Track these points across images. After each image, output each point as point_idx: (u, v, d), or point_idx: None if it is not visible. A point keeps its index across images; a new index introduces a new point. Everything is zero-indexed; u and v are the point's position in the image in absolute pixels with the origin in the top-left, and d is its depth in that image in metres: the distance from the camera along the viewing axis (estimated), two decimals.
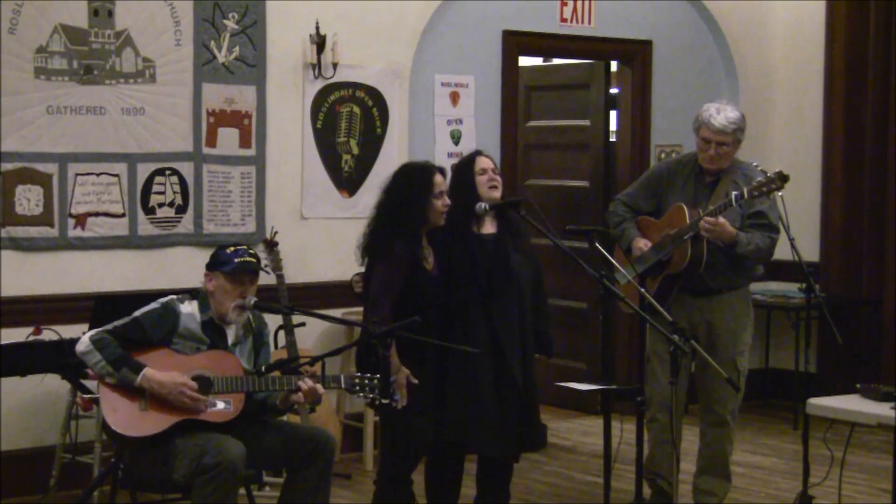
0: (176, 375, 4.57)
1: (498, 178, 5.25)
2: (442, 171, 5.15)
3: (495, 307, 5.15)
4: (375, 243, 5.08)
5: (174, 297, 4.77)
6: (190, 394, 4.55)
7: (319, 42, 6.77)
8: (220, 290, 4.72)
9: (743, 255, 5.52)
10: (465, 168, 5.27)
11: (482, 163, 5.25)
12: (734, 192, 5.41)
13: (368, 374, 4.60)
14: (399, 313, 4.91)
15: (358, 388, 4.60)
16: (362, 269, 5.22)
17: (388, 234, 5.02)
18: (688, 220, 5.50)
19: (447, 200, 5.08)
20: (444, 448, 5.18)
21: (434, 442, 5.09)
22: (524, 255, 5.29)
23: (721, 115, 5.54)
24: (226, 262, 4.72)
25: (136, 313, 4.67)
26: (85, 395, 5.48)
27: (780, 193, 5.37)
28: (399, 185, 5.12)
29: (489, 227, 5.25)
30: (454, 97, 7.41)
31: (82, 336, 4.66)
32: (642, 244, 5.68)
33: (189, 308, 4.73)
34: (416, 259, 5.03)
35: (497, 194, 5.22)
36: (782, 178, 5.31)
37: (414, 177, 5.11)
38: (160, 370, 4.57)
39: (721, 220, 5.40)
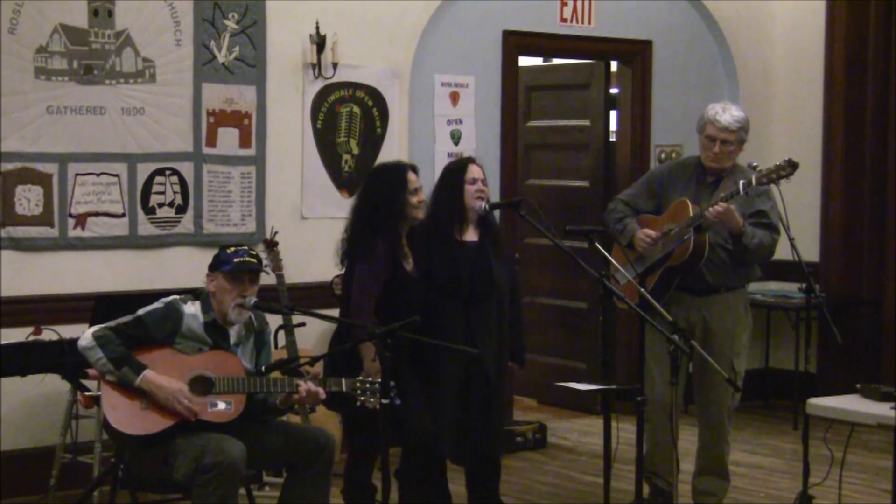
0: (176, 383, 4.56)
1: (486, 189, 5.28)
2: (414, 168, 5.20)
3: (474, 314, 5.16)
4: (356, 244, 5.09)
5: (177, 297, 4.77)
6: (185, 403, 4.55)
7: (319, 42, 6.77)
8: (220, 290, 4.73)
9: (746, 248, 5.51)
10: (455, 173, 5.28)
11: (473, 172, 5.27)
12: (742, 181, 5.42)
13: (370, 379, 4.60)
14: (379, 314, 4.92)
15: (359, 391, 4.60)
16: (341, 272, 5.25)
17: (368, 234, 5.04)
18: (691, 214, 5.50)
19: (422, 196, 5.15)
20: (414, 451, 5.17)
21: (401, 445, 5.11)
22: (503, 263, 5.31)
23: (727, 113, 5.58)
24: (225, 262, 4.73)
25: (140, 312, 4.67)
26: (86, 393, 5.48)
27: (786, 182, 5.38)
28: (374, 185, 5.19)
29: (471, 235, 5.27)
30: (454, 97, 7.40)
31: (85, 332, 4.66)
32: (647, 231, 5.66)
33: (192, 309, 4.73)
34: (397, 258, 5.05)
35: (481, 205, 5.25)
36: (792, 165, 5.34)
37: (388, 176, 5.18)
38: (162, 370, 4.58)
39: (731, 206, 5.41)
